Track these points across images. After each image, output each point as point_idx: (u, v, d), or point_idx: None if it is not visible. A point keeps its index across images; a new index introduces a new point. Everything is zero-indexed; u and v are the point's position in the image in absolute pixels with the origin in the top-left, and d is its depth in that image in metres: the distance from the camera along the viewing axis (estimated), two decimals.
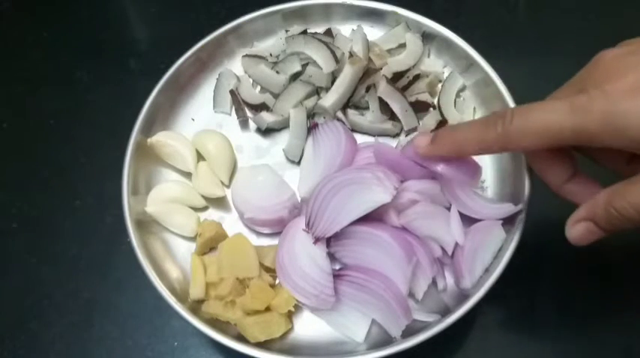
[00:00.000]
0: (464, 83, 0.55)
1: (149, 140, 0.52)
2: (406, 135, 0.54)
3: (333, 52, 0.53)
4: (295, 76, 0.55)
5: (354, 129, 0.54)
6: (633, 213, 0.35)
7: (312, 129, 0.52)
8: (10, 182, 0.61)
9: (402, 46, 0.56)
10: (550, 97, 0.39)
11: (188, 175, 0.53)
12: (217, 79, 0.57)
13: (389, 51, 0.56)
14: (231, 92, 0.56)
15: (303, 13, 0.58)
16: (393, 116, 0.54)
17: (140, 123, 0.52)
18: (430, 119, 0.54)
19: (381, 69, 0.55)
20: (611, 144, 0.34)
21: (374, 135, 0.54)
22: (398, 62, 0.55)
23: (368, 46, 0.55)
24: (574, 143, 0.35)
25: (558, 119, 0.35)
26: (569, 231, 0.40)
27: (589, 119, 0.34)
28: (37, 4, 0.73)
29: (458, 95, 0.55)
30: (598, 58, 0.37)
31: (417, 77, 0.54)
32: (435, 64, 0.56)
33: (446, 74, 0.56)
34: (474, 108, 0.54)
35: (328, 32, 0.58)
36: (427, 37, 0.56)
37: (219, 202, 0.52)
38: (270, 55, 0.58)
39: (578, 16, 0.67)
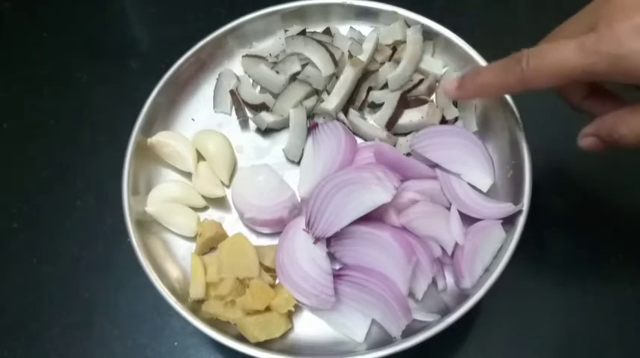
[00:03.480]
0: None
1: (149, 140, 0.52)
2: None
3: (332, 55, 0.53)
4: (295, 76, 0.55)
5: (352, 131, 0.54)
6: (633, 139, 0.38)
7: (312, 129, 0.52)
8: (10, 182, 0.61)
9: (399, 42, 0.56)
10: (560, 32, 0.41)
11: (188, 175, 0.53)
12: (217, 79, 0.57)
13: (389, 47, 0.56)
14: (231, 92, 0.56)
15: (302, 14, 0.58)
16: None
17: (140, 123, 0.52)
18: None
19: (379, 69, 0.55)
20: (621, 82, 0.37)
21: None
22: (398, 75, 0.55)
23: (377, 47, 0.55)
24: (585, 80, 0.38)
25: (570, 60, 0.37)
26: (580, 141, 0.42)
27: (598, 60, 0.35)
28: (37, 4, 0.73)
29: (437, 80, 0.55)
30: None
31: (421, 81, 0.54)
32: (434, 65, 0.56)
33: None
34: (475, 106, 0.54)
35: (327, 31, 0.58)
36: (427, 36, 0.56)
37: (219, 202, 0.52)
38: (270, 55, 0.58)
39: None
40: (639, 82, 0.36)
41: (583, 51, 0.36)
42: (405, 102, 0.53)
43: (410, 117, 0.53)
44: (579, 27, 0.39)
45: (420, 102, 0.54)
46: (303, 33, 0.57)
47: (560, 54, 0.37)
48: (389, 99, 0.53)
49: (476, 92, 0.45)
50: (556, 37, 0.41)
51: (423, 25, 0.56)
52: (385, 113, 0.53)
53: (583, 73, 0.37)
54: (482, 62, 0.53)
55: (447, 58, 0.56)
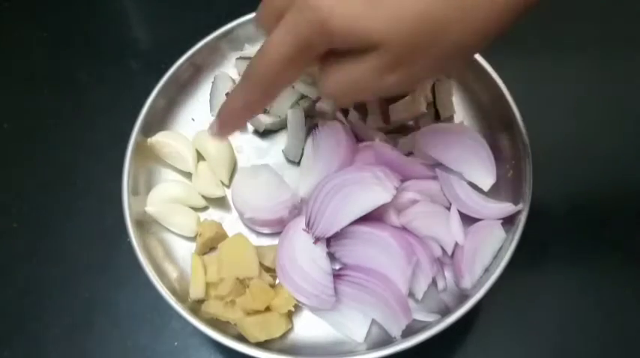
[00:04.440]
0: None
1: (149, 140, 0.52)
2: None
3: None
4: None
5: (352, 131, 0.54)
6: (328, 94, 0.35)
7: (311, 129, 0.52)
8: (10, 182, 0.61)
9: None
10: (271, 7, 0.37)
11: (188, 175, 0.53)
12: (213, 82, 0.57)
13: None
14: (227, 95, 0.56)
15: None
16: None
17: (140, 123, 0.52)
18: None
19: None
20: (342, 47, 0.33)
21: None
22: None
23: None
24: (311, 56, 0.34)
25: (283, 44, 0.34)
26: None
27: (305, 34, 0.33)
28: (37, 4, 0.73)
29: (438, 78, 0.54)
30: None
31: None
32: None
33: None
34: (452, 91, 0.54)
35: None
36: None
37: (219, 202, 0.52)
38: None
39: (578, 15, 0.67)
40: (354, 44, 0.32)
41: (288, 32, 0.33)
42: None
43: (396, 111, 0.53)
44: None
45: (399, 96, 0.54)
46: None
47: (272, 44, 0.34)
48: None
49: (234, 121, 0.41)
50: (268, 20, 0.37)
51: None
52: (373, 110, 0.53)
53: (298, 50, 0.34)
54: (482, 62, 0.52)
55: None
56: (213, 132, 0.42)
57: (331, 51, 0.34)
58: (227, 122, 0.41)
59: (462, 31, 0.31)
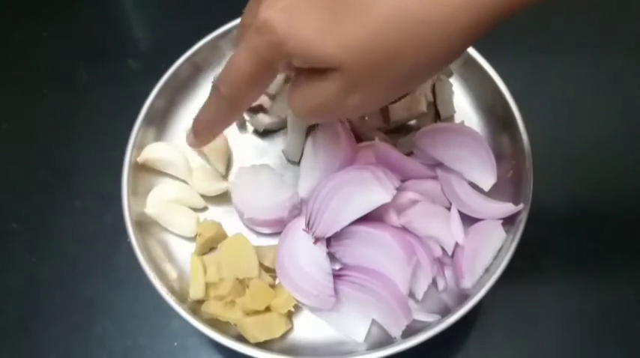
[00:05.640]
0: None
1: (138, 159, 0.51)
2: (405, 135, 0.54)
3: None
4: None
5: (352, 131, 0.54)
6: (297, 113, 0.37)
7: (311, 129, 0.52)
8: (10, 182, 0.61)
9: None
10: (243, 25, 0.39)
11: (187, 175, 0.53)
12: (212, 82, 0.57)
13: None
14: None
15: None
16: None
17: (140, 123, 0.52)
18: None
19: None
20: (301, 65, 0.34)
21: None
22: None
23: None
24: (272, 73, 0.36)
25: (243, 66, 0.35)
26: None
27: (265, 55, 0.34)
28: (37, 4, 0.73)
29: (438, 78, 0.54)
30: None
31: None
32: None
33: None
34: (452, 91, 0.54)
35: None
36: None
37: (219, 202, 0.52)
38: None
39: (579, 13, 0.67)
40: (313, 64, 0.33)
41: (248, 50, 0.34)
42: None
43: (396, 111, 0.53)
44: (251, 16, 0.36)
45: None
46: None
47: (235, 63, 0.36)
48: None
49: (207, 133, 0.42)
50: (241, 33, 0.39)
51: None
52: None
53: (259, 69, 0.35)
54: (482, 62, 0.52)
55: None
56: (190, 142, 0.44)
57: (300, 68, 0.35)
58: (201, 133, 0.42)
59: (417, 58, 0.32)
